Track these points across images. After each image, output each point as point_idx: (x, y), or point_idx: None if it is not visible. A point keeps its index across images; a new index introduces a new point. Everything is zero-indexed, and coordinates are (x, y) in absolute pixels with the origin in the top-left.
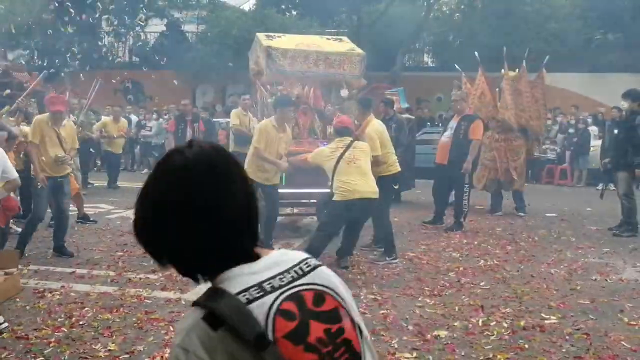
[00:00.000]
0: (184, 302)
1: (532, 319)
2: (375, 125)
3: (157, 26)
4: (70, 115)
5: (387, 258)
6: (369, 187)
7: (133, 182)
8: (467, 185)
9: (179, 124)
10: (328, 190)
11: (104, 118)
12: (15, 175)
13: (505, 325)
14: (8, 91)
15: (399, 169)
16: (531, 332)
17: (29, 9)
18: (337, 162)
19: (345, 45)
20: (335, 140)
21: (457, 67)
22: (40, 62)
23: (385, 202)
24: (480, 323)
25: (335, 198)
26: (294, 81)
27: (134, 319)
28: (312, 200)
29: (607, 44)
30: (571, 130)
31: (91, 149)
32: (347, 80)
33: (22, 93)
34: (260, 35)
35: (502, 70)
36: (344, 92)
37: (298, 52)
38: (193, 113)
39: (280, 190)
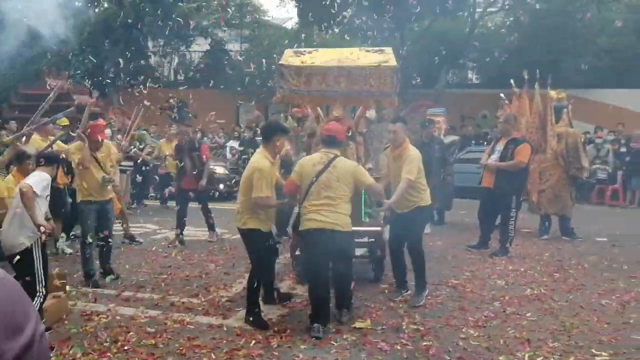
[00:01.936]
0: (225, 329)
1: (582, 355)
2: (414, 149)
3: (201, 45)
4: (118, 136)
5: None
6: (335, 219)
7: None
8: (514, 210)
9: (178, 154)
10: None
11: (161, 141)
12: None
13: None
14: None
15: (430, 202)
16: None
17: (79, 31)
18: (313, 182)
19: (380, 57)
20: (320, 150)
21: (512, 83)
22: (89, 82)
23: (418, 235)
24: (526, 358)
25: (301, 226)
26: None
27: (177, 345)
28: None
29: None
30: (623, 149)
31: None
32: (376, 98)
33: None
34: (288, 52)
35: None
36: (371, 113)
37: (315, 68)
38: (189, 140)
39: None
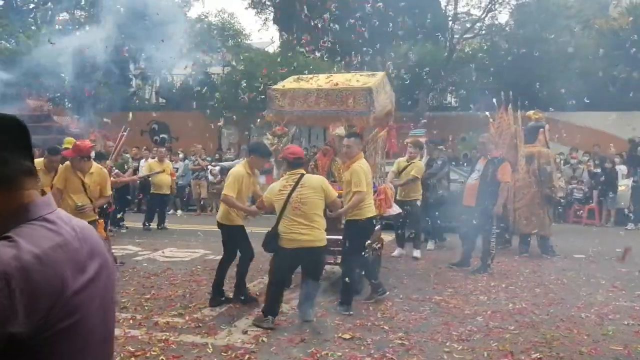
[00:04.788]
0: (210, 347)
1: None
2: (363, 163)
3: (183, 69)
4: (108, 161)
5: (339, 308)
6: (314, 236)
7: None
8: (494, 228)
9: None
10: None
11: (150, 161)
12: None
13: None
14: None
15: (374, 214)
16: None
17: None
18: (285, 203)
19: (368, 79)
20: (286, 174)
21: (495, 103)
22: (69, 104)
23: (354, 248)
24: None
25: (280, 244)
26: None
27: None
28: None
29: (632, 82)
30: (597, 170)
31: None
32: (352, 117)
33: (62, 137)
34: (290, 78)
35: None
36: (340, 130)
37: (297, 91)
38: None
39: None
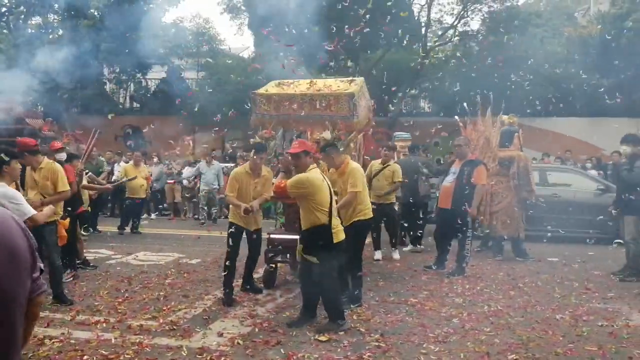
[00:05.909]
0: (185, 350)
1: None
2: (357, 165)
3: (157, 73)
4: (79, 163)
5: (351, 305)
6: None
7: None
8: (470, 230)
9: None
10: None
11: (123, 164)
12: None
13: None
14: None
15: (372, 215)
16: None
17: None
18: (332, 196)
19: (348, 86)
20: (310, 167)
21: (466, 107)
22: (41, 108)
23: (359, 247)
24: None
25: (337, 239)
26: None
27: None
28: None
29: (602, 89)
30: None
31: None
32: (334, 121)
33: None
34: (271, 83)
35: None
36: (326, 134)
37: (282, 96)
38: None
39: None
